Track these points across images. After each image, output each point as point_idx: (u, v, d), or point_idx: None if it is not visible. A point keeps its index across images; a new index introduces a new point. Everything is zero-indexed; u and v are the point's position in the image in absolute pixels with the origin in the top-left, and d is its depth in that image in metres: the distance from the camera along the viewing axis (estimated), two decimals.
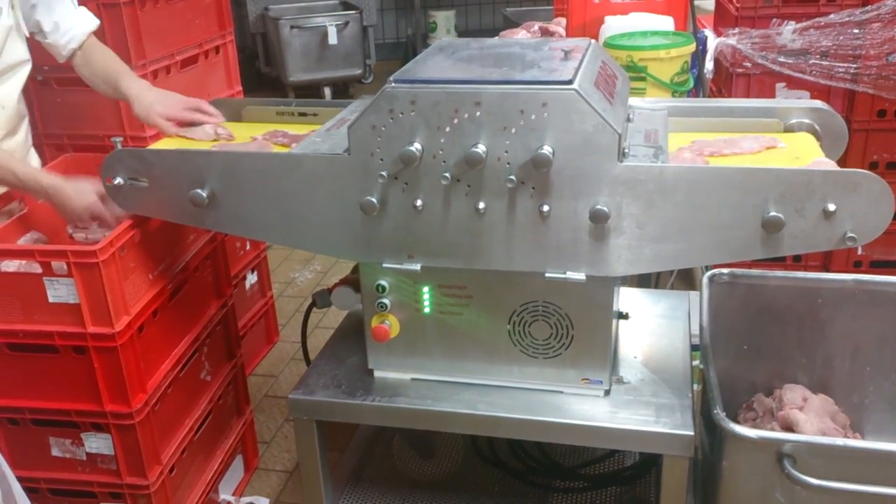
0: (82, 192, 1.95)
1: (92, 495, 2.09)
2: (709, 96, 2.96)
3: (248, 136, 2.02)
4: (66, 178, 2.00)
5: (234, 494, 2.48)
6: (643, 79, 2.65)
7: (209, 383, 2.31)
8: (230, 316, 2.44)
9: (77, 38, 2.20)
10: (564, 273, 1.64)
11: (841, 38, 2.61)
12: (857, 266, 2.86)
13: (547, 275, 1.65)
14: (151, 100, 2.12)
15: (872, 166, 2.72)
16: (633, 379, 1.84)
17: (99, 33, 2.33)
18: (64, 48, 2.18)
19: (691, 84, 2.82)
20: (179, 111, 2.10)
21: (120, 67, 2.22)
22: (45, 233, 2.17)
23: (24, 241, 2.11)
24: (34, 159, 2.31)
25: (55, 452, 2.04)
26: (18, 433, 2.04)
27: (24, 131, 2.22)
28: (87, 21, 2.24)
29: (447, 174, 1.59)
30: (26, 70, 2.15)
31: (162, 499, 2.07)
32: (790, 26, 2.66)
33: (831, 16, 2.62)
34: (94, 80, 2.24)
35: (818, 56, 2.66)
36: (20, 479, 2.08)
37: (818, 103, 1.91)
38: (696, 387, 1.88)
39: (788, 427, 1.86)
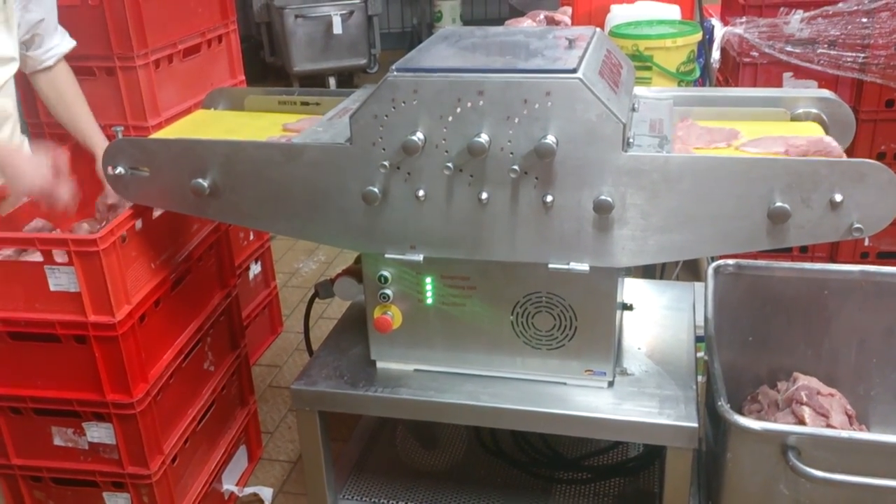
0: (38, 166, 1.96)
1: (94, 484, 2.09)
2: (715, 86, 2.94)
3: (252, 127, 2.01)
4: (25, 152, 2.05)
5: (237, 485, 2.47)
6: (649, 68, 2.63)
7: (212, 373, 2.31)
8: (234, 306, 2.43)
9: (55, 56, 2.22)
10: (568, 264, 1.63)
11: (849, 27, 2.58)
12: (863, 257, 2.85)
13: (550, 266, 1.64)
14: None
15: (880, 157, 2.70)
16: (637, 370, 1.83)
17: (100, 23, 2.33)
18: (40, 63, 2.20)
19: (697, 73, 2.80)
20: None
21: (87, 111, 2.28)
22: (51, 220, 2.17)
23: (29, 229, 2.10)
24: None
25: (57, 441, 2.04)
26: (20, 422, 2.04)
27: (9, 129, 2.20)
28: (68, 41, 2.26)
29: (450, 164, 1.58)
30: (12, 68, 2.12)
31: (164, 489, 2.06)
32: (798, 15, 2.64)
33: (839, 5, 2.59)
34: (57, 105, 2.28)
35: (826, 45, 2.63)
36: (23, 468, 2.10)
37: (826, 93, 1.89)
38: (700, 378, 1.87)
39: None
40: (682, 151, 1.64)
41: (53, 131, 2.66)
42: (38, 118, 2.66)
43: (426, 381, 1.83)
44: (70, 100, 2.28)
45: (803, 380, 1.96)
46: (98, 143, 2.23)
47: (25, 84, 2.32)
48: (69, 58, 2.30)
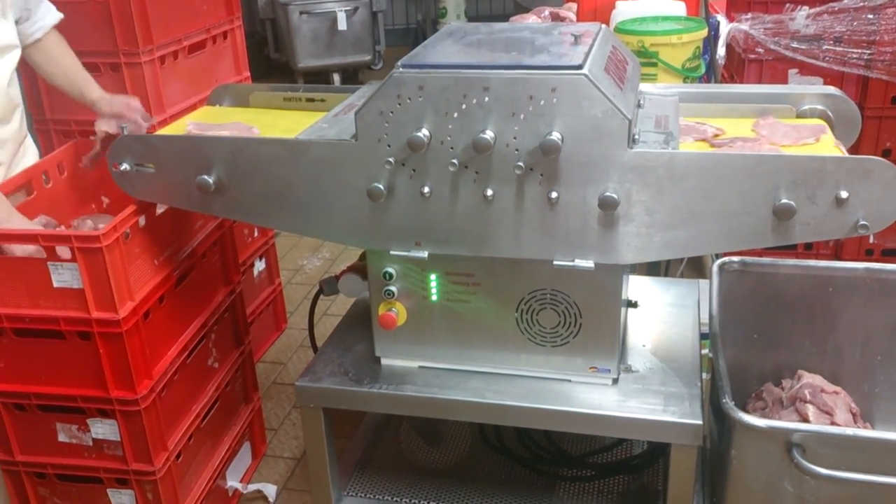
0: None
1: (98, 481, 2.09)
2: (721, 82, 2.93)
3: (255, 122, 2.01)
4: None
5: (241, 481, 2.48)
6: (654, 64, 2.63)
7: (217, 370, 2.31)
8: (238, 303, 2.43)
9: (43, 29, 2.21)
10: (573, 261, 1.63)
11: (855, 23, 2.57)
12: (868, 254, 2.84)
13: (555, 262, 1.64)
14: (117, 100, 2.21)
15: (885, 153, 2.69)
16: (642, 367, 1.82)
17: (105, 19, 2.33)
18: (29, 37, 2.19)
19: (703, 70, 2.80)
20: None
21: (82, 71, 2.26)
22: (55, 217, 2.17)
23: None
24: (31, 148, 2.31)
25: (62, 438, 2.05)
26: (25, 419, 2.04)
27: (17, 120, 2.20)
28: (54, 14, 2.25)
29: (455, 160, 1.57)
30: (14, 56, 2.12)
31: (168, 485, 2.07)
32: (803, 11, 2.63)
33: (845, 1, 2.58)
34: (54, 72, 2.26)
35: (832, 42, 2.62)
36: (27, 465, 2.10)
37: (831, 89, 1.88)
38: (705, 376, 1.87)
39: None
40: (771, 150, 1.63)
41: (59, 128, 2.67)
42: (43, 115, 2.66)
43: (430, 378, 1.83)
44: (66, 64, 2.26)
45: (807, 377, 1.96)
46: (97, 95, 2.22)
47: (28, 79, 2.32)
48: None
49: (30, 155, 2.28)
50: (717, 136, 1.73)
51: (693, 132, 1.75)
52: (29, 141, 2.31)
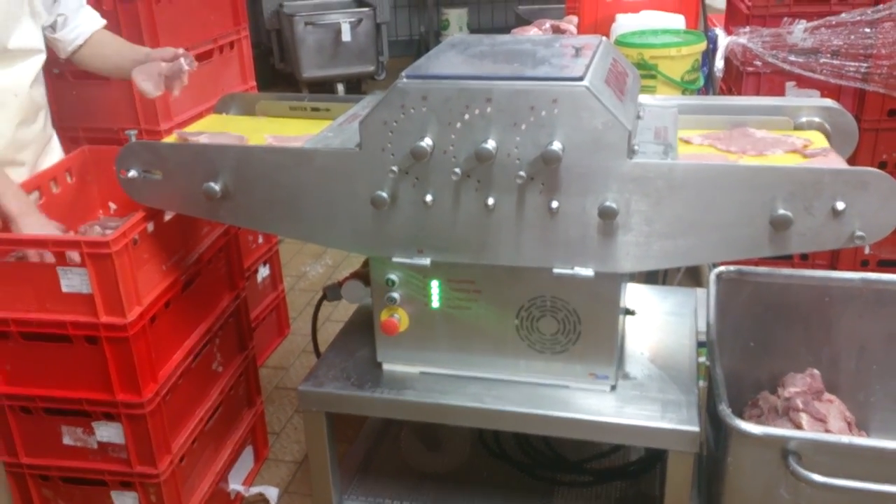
0: (44, 227, 1.96)
1: (103, 483, 2.11)
2: (719, 94, 2.96)
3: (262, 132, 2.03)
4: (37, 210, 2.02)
5: (243, 485, 2.49)
6: (654, 76, 2.65)
7: (221, 374, 2.33)
8: (242, 308, 2.45)
9: (83, 35, 2.24)
10: (572, 269, 1.65)
11: (852, 37, 2.60)
12: (864, 265, 2.86)
13: (555, 270, 1.66)
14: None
15: (881, 166, 2.72)
16: (640, 375, 1.85)
17: (114, 27, 2.36)
18: (70, 43, 2.22)
19: (702, 82, 2.82)
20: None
21: (133, 48, 2.28)
22: (62, 222, 2.19)
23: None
24: (55, 149, 2.34)
25: (67, 441, 2.07)
26: (31, 421, 2.06)
27: (41, 121, 2.23)
28: (95, 19, 2.29)
29: (457, 170, 1.60)
30: (39, 59, 2.16)
31: (171, 488, 2.09)
32: (801, 25, 2.66)
33: (843, 15, 2.62)
34: (109, 53, 2.27)
35: (829, 55, 2.65)
36: (31, 467, 2.12)
37: (828, 102, 1.90)
38: (701, 383, 1.89)
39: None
40: None
41: (66, 135, 2.69)
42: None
43: (431, 384, 1.85)
44: (118, 46, 2.28)
45: (794, 385, 1.98)
46: (147, 49, 2.23)
47: (51, 81, 2.35)
48: None
49: (54, 155, 2.31)
50: (806, 146, 1.73)
51: (781, 145, 1.75)
52: (55, 142, 2.34)
